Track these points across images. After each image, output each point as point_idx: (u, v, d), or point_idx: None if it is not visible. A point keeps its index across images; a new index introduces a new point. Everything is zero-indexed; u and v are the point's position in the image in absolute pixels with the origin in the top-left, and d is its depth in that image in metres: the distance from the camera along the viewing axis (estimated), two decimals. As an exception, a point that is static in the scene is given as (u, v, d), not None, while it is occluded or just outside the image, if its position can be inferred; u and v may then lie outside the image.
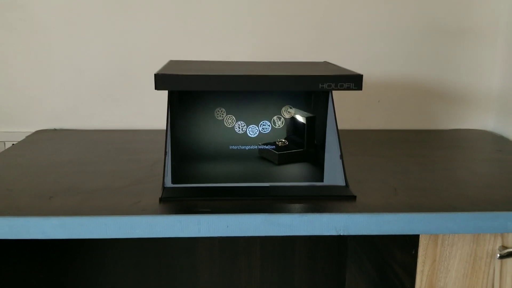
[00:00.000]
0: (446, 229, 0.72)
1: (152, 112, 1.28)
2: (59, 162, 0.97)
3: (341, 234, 0.71)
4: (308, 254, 1.28)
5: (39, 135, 1.21)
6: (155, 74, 0.73)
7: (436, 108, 1.30)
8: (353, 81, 0.75)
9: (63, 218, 0.70)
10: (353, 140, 1.17)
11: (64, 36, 1.23)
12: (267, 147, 0.95)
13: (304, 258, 1.29)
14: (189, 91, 0.92)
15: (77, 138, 1.17)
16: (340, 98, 1.28)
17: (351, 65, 1.26)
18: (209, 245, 1.27)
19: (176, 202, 0.76)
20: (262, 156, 0.95)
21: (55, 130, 1.26)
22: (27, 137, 1.19)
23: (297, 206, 0.75)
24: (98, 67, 1.25)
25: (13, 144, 1.23)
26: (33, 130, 1.27)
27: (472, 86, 1.29)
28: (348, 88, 0.75)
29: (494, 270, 0.79)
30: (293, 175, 0.88)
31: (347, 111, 1.30)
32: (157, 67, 1.24)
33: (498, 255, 0.77)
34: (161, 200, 0.77)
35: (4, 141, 1.28)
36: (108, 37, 1.23)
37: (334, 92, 1.26)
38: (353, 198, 0.78)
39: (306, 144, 0.93)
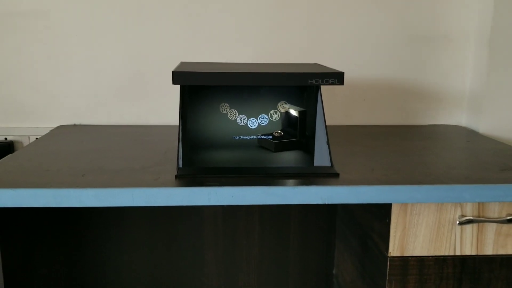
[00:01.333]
0: (413, 198, 0.87)
1: (163, 110, 1.42)
2: (84, 150, 1.12)
3: (326, 203, 0.86)
4: (302, 235, 1.43)
5: (61, 130, 1.35)
6: (172, 71, 0.88)
7: (415, 106, 1.45)
8: (336, 77, 0.90)
9: (97, 190, 0.85)
10: (341, 134, 1.31)
11: (84, 42, 1.38)
12: (265, 137, 1.10)
13: (298, 239, 1.43)
14: (198, 88, 1.07)
15: (95, 132, 1.31)
16: (330, 97, 1.43)
17: (339, 67, 1.41)
18: (213, 226, 1.41)
19: (189, 178, 0.91)
20: (261, 145, 1.10)
21: (75, 125, 1.41)
22: (50, 131, 1.33)
23: (290, 181, 0.90)
24: (114, 69, 1.40)
25: (36, 138, 1.37)
26: (54, 125, 1.41)
27: (447, 87, 1.44)
28: (333, 83, 0.90)
29: (455, 236, 0.93)
30: (287, 160, 1.03)
31: (336, 109, 1.44)
32: (167, 69, 1.39)
33: (458, 222, 0.92)
34: (177, 177, 0.91)
35: (28, 135, 1.41)
36: (124, 43, 1.38)
37: (324, 92, 1.41)
38: (336, 175, 0.93)
39: (298, 134, 1.08)
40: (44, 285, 1.18)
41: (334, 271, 1.44)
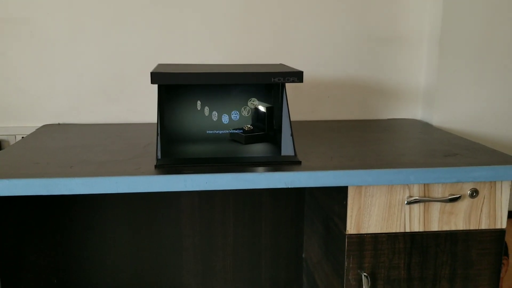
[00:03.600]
0: (365, 181, 0.99)
1: (142, 109, 1.52)
2: (69, 145, 1.21)
3: (289, 186, 0.98)
4: (273, 222, 1.53)
5: (46, 128, 1.44)
6: (151, 72, 0.98)
7: (375, 101, 1.58)
8: (296, 76, 1.02)
9: (85, 179, 0.94)
10: (307, 128, 1.43)
11: (66, 46, 1.47)
12: (236, 131, 1.20)
13: (269, 226, 1.54)
14: (175, 87, 1.18)
15: (79, 130, 1.40)
16: (297, 94, 1.55)
17: (305, 67, 1.53)
18: (191, 216, 1.51)
19: (167, 168, 1.01)
20: (233, 138, 1.21)
21: (59, 124, 1.50)
22: (36, 130, 1.42)
23: (258, 168, 1.01)
24: (95, 71, 1.49)
25: (22, 137, 1.46)
26: (39, 125, 1.50)
27: (404, 83, 1.57)
28: (293, 81, 1.02)
29: (405, 214, 1.06)
30: (256, 151, 1.13)
31: (302, 105, 1.56)
32: (145, 71, 1.49)
33: (406, 202, 1.04)
34: (156, 166, 1.02)
35: (14, 135, 1.50)
36: (105, 46, 1.48)
37: (292, 90, 1.53)
38: (299, 163, 1.04)
39: (266, 128, 1.19)
40: (33, 271, 1.27)
41: (303, 255, 1.55)
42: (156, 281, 1.54)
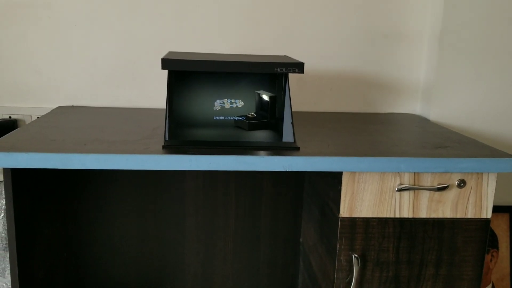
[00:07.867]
0: (358, 168, 1.06)
1: (152, 94, 1.59)
2: (83, 126, 1.28)
3: (287, 170, 1.04)
4: (272, 207, 1.60)
5: (60, 110, 1.51)
6: (162, 58, 1.05)
7: (375, 96, 1.64)
8: (298, 66, 1.08)
9: (98, 155, 1.02)
10: (309, 119, 1.49)
11: (82, 31, 1.54)
12: (240, 118, 1.27)
13: (269, 210, 1.60)
14: (184, 74, 1.24)
15: (92, 113, 1.48)
16: (300, 86, 1.61)
17: (309, 60, 1.59)
18: (195, 198, 1.58)
19: (174, 148, 1.08)
20: (237, 125, 1.27)
21: (73, 106, 1.57)
22: (51, 110, 1.50)
23: (258, 152, 1.08)
24: (109, 56, 1.56)
25: (38, 117, 1.53)
26: (54, 106, 1.57)
27: (404, 79, 1.63)
28: (295, 72, 1.08)
29: (395, 201, 1.12)
30: (258, 137, 1.20)
31: (305, 97, 1.63)
32: (156, 57, 1.56)
33: (397, 189, 1.11)
34: (164, 147, 1.09)
35: (30, 115, 1.57)
36: (118, 33, 1.55)
37: (295, 81, 1.60)
38: (297, 148, 1.11)
39: (269, 115, 1.26)
40: (45, 244, 1.35)
41: (301, 239, 1.62)
42: (159, 258, 1.62)
